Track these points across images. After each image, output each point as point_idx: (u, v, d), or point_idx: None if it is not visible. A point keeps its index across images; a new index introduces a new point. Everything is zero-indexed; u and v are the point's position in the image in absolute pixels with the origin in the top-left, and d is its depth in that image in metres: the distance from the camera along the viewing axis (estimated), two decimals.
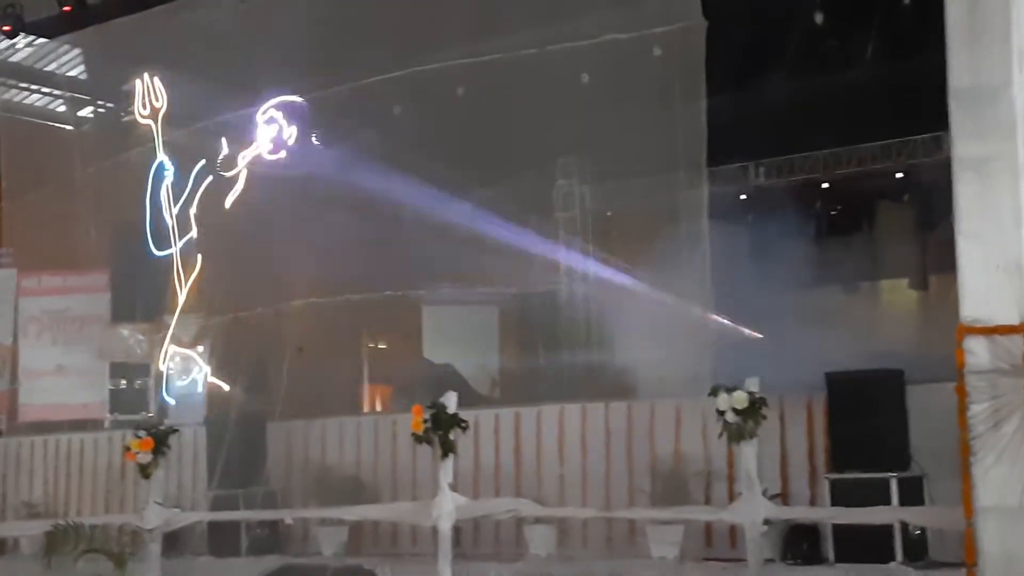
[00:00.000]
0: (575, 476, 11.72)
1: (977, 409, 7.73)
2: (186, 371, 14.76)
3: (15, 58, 16.85)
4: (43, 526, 13.25)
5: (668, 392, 11.60)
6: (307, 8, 13.76)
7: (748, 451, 9.80)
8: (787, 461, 10.78)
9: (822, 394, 10.53)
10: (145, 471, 12.50)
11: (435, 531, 10.83)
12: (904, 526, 9.62)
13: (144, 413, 14.96)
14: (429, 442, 10.79)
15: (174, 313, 14.71)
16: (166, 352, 14.75)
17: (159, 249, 14.89)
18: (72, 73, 17.39)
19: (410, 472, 12.38)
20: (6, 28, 15.35)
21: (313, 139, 14.46)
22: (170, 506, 12.71)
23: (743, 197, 16.68)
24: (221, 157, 14.51)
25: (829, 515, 9.96)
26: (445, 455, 10.76)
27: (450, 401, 10.79)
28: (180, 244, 14.78)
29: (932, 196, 13.78)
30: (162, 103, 15.05)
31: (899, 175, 16.55)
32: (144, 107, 15.15)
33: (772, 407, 10.13)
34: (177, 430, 12.89)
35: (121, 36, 15.12)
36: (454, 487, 10.84)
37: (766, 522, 9.76)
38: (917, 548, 9.69)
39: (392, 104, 14.22)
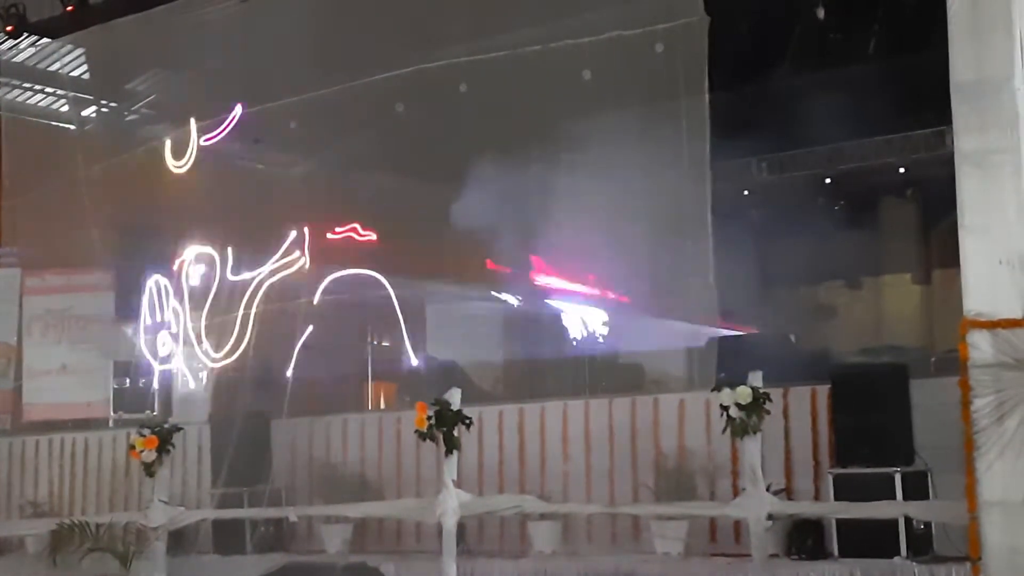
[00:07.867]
0: (579, 472, 11.70)
1: (981, 403, 7.71)
2: (191, 368, 14.77)
3: (18, 58, 16.83)
4: (48, 525, 13.29)
5: (672, 387, 11.60)
6: (309, 6, 13.77)
7: (752, 446, 9.77)
8: (791, 456, 10.75)
9: (826, 389, 10.53)
10: (149, 469, 12.49)
11: (439, 528, 10.84)
12: (908, 521, 9.58)
13: (148, 411, 14.97)
14: (433, 439, 10.80)
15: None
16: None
17: None
18: (75, 73, 17.37)
19: (414, 469, 12.38)
20: (9, 28, 15.36)
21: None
22: (175, 504, 12.71)
23: (746, 193, 16.72)
24: None
25: (833, 510, 9.92)
26: (449, 452, 10.76)
27: (454, 398, 10.81)
28: None
29: (935, 190, 13.82)
30: None
31: (902, 170, 16.61)
32: None
33: (776, 402, 10.13)
34: (181, 428, 12.88)
35: (124, 36, 15.12)
36: (458, 484, 10.85)
37: (770, 517, 9.73)
38: (922, 543, 9.66)
39: (394, 101, 14.23)
